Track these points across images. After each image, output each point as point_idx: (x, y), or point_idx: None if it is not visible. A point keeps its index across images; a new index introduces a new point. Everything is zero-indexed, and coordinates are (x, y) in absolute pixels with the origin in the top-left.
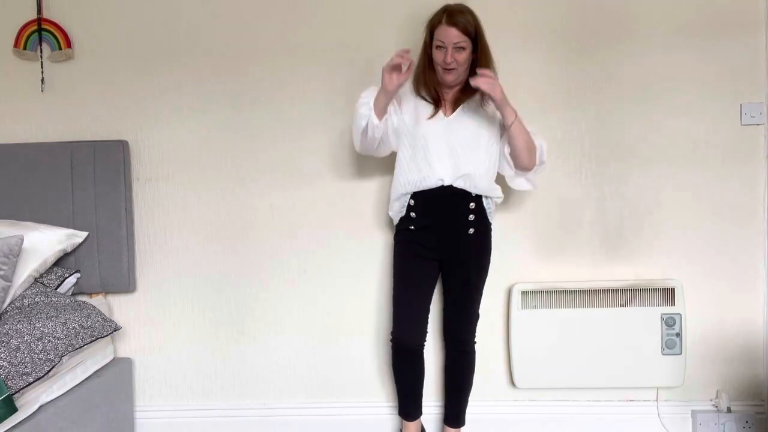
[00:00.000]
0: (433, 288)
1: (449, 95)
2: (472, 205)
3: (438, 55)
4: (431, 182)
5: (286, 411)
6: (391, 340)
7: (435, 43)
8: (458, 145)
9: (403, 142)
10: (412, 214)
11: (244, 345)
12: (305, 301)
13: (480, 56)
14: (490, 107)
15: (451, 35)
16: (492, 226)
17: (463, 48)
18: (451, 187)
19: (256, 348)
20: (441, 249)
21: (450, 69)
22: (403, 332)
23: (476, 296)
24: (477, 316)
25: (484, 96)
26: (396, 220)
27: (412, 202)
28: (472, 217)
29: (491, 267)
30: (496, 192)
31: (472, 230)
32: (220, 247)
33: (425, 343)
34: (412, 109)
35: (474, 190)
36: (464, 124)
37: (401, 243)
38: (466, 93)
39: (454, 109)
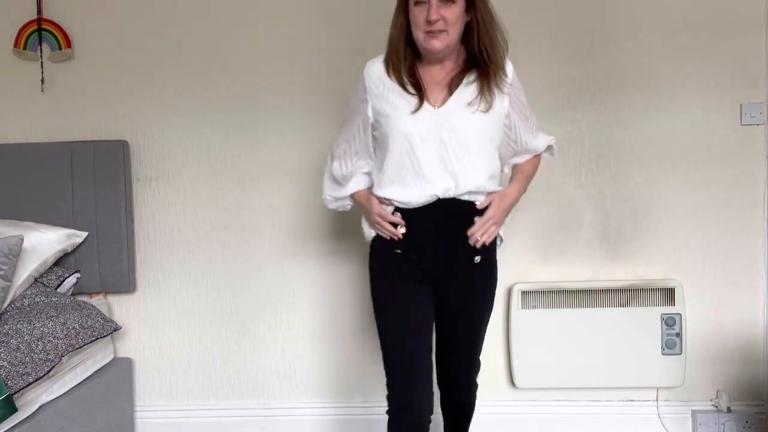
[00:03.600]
0: (432, 330)
1: (438, 76)
2: (477, 219)
3: (418, 14)
4: (420, 198)
5: (286, 411)
6: (389, 411)
7: None
8: (457, 146)
9: (380, 144)
10: (399, 225)
11: (244, 345)
12: (305, 301)
13: (477, 17)
14: (496, 94)
15: None
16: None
17: (452, 1)
18: (448, 199)
19: (256, 348)
20: (435, 281)
21: (436, 31)
22: (407, 399)
23: (481, 339)
24: (480, 363)
25: (485, 74)
26: (370, 237)
27: (397, 214)
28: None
29: None
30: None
31: (478, 258)
32: (220, 247)
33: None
34: (388, 100)
35: (477, 200)
36: (463, 117)
37: (384, 271)
38: (462, 72)
39: (446, 97)
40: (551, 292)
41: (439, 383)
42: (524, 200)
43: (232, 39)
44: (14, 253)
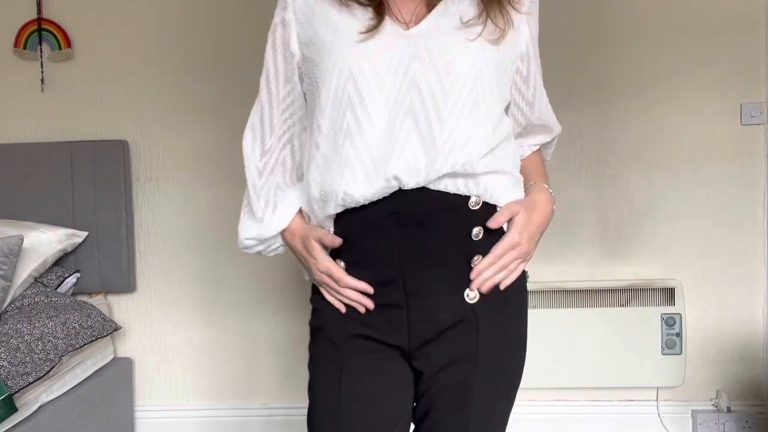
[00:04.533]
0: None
1: None
2: (477, 231)
3: None
4: (373, 188)
5: (286, 411)
6: None
7: None
8: (439, 93)
9: (309, 102)
10: (341, 263)
11: (244, 345)
12: (306, 301)
13: None
14: (510, 15)
15: None
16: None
17: None
18: (423, 192)
19: (256, 348)
20: (415, 337)
21: None
22: None
23: None
24: None
25: None
26: (308, 278)
27: (334, 231)
28: (478, 260)
29: None
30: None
31: (473, 297)
32: (220, 246)
33: None
34: (323, 17)
35: (478, 193)
36: (453, 45)
37: (324, 334)
38: None
39: (424, 12)
40: (551, 292)
41: None
42: None
43: (233, 38)
44: (14, 253)
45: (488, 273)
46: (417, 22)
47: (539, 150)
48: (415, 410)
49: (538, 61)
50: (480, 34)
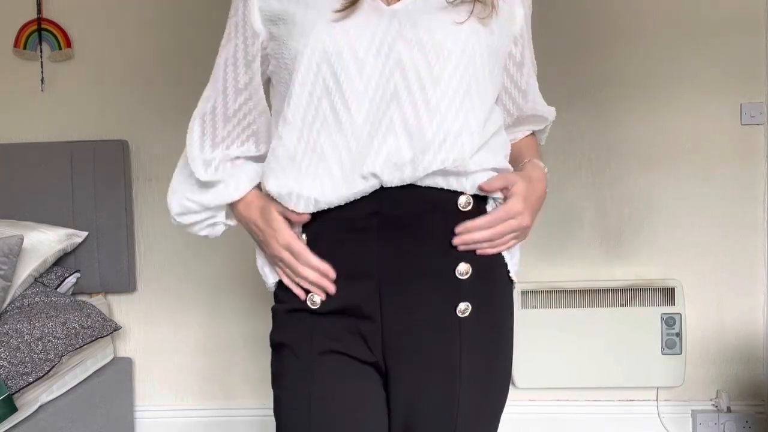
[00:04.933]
0: None
1: None
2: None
3: None
4: (350, 189)
5: None
6: None
7: None
8: (427, 78)
9: (276, 88)
10: (303, 237)
11: (244, 345)
12: None
13: None
14: None
15: None
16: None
17: None
18: (408, 189)
19: (256, 348)
20: (386, 355)
21: None
22: None
23: None
24: None
25: None
26: (272, 284)
27: (304, 238)
28: (465, 269)
29: None
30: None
31: (466, 307)
32: (220, 246)
33: None
34: None
35: (466, 188)
36: (440, 23)
37: (288, 351)
38: None
39: None
40: (551, 292)
41: None
42: None
43: None
44: (14, 253)
45: (481, 234)
46: None
47: (532, 133)
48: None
49: (531, 45)
50: (471, 13)
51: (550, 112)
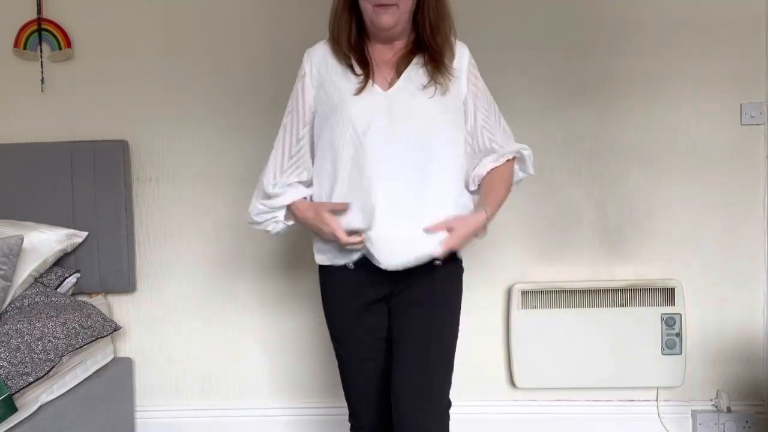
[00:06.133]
0: (387, 353)
1: (387, 55)
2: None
3: None
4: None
5: (285, 411)
6: (350, 421)
7: None
8: (412, 134)
9: (322, 139)
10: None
11: (244, 345)
12: (305, 301)
13: None
14: (450, 79)
15: None
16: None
17: None
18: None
19: (256, 348)
20: (390, 290)
21: (386, 5)
22: (363, 424)
23: (444, 363)
24: (447, 403)
25: (434, 59)
26: (321, 261)
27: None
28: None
29: (491, 267)
30: (466, 200)
31: (438, 261)
32: (220, 246)
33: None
34: (333, 82)
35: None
36: (417, 99)
37: (337, 299)
38: (411, 51)
39: (396, 77)
40: (551, 292)
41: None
42: (524, 200)
43: (232, 38)
44: (14, 253)
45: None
46: (390, 86)
47: (503, 166)
48: (391, 329)
49: (487, 103)
50: (435, 93)
51: (506, 147)
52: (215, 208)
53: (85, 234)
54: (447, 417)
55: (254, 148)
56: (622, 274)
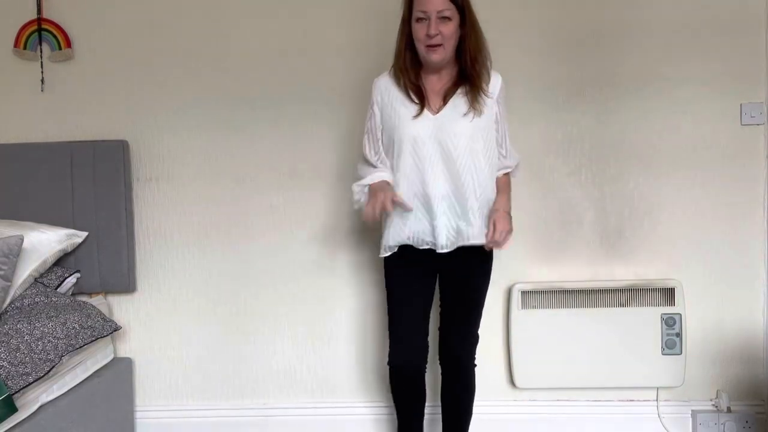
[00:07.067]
0: (431, 304)
1: (436, 85)
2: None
3: (419, 30)
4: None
5: (286, 411)
6: (389, 364)
7: (415, 15)
8: (453, 150)
9: (389, 148)
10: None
11: (244, 345)
12: (305, 301)
13: (468, 31)
14: (485, 102)
15: (434, 3)
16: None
17: (449, 18)
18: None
19: (256, 348)
20: (440, 262)
21: (435, 45)
22: (401, 361)
23: (477, 313)
24: (477, 338)
25: (474, 86)
26: (385, 253)
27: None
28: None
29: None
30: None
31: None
32: (220, 246)
33: (426, 368)
34: (394, 108)
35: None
36: (459, 123)
37: (396, 263)
38: (455, 83)
39: (443, 104)
40: (551, 292)
41: (440, 353)
42: (524, 200)
43: (232, 38)
44: (14, 253)
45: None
46: (437, 111)
47: (506, 175)
48: (439, 294)
49: (505, 123)
50: (473, 118)
51: (515, 157)
52: (215, 208)
53: (85, 234)
54: (476, 343)
55: (254, 148)
56: (622, 274)
